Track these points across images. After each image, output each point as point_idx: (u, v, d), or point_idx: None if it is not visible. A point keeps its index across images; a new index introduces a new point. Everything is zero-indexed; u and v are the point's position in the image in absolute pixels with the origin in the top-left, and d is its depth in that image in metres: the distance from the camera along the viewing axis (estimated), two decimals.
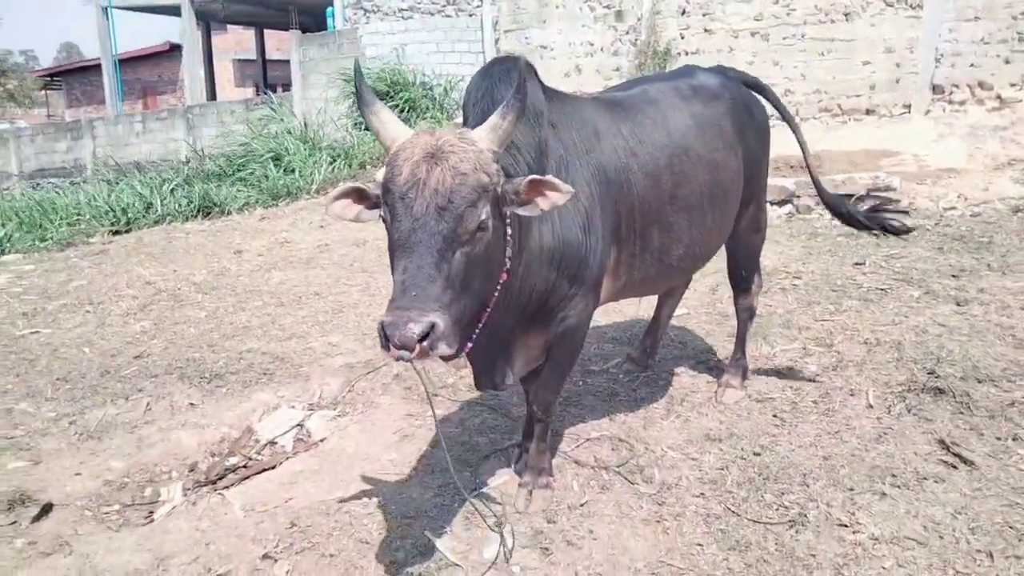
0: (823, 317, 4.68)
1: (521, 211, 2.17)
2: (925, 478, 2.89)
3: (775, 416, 3.47)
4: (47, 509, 2.99)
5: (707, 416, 3.53)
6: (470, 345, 2.33)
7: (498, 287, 2.28)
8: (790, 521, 2.68)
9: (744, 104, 3.39)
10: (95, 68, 25.91)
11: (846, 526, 2.63)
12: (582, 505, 2.85)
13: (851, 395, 3.64)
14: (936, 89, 10.95)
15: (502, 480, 3.09)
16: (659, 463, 3.12)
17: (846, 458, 3.08)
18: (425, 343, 1.86)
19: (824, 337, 4.34)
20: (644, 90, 3.13)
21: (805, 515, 2.70)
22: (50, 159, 18.32)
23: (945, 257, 5.90)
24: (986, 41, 10.47)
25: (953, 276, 5.35)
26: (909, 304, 4.82)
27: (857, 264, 5.83)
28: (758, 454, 3.14)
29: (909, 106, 11.19)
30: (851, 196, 8.08)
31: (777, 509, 2.76)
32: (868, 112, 11.41)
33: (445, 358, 2.00)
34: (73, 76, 31.94)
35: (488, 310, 2.29)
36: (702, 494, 2.89)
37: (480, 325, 2.31)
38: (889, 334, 4.28)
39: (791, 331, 4.48)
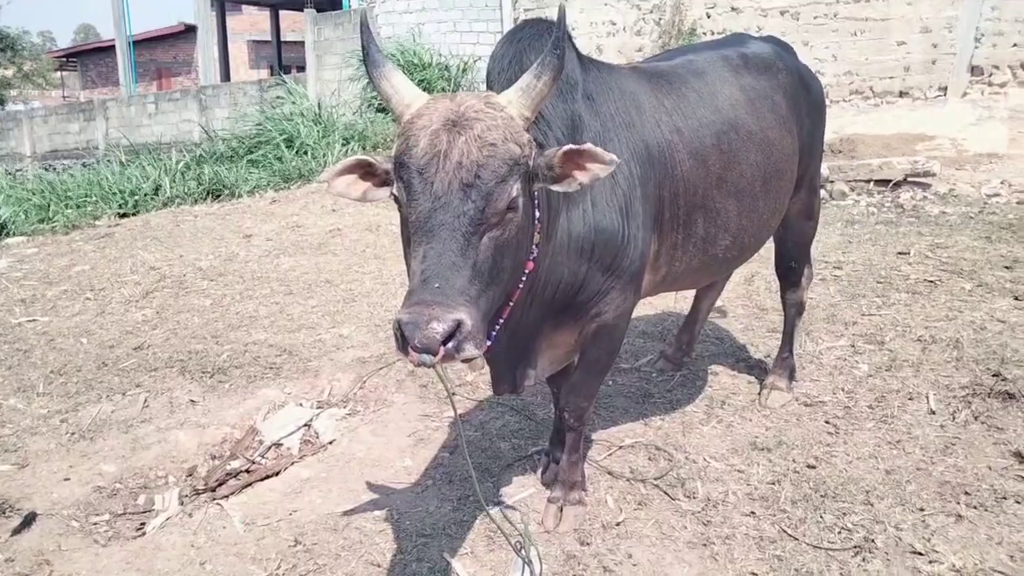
0: (870, 311, 4.34)
1: (557, 187, 1.85)
2: (1004, 497, 2.57)
3: (827, 423, 3.15)
4: (30, 519, 2.74)
5: (752, 421, 3.21)
6: (489, 344, 2.04)
7: (523, 278, 1.99)
8: (855, 547, 2.37)
9: (799, 76, 3.05)
10: (110, 49, 25.69)
11: (921, 554, 2.31)
12: (618, 524, 2.56)
13: (909, 399, 3.31)
14: (975, 71, 10.49)
15: (528, 493, 2.80)
16: (702, 475, 2.82)
17: (911, 472, 2.76)
18: (450, 344, 1.56)
19: (874, 333, 4.00)
20: (689, 59, 2.79)
21: (872, 540, 2.39)
22: (63, 140, 18.16)
23: (995, 247, 5.52)
24: None
25: (1006, 268, 4.98)
26: (962, 298, 4.46)
27: (901, 254, 5.46)
28: (812, 467, 2.82)
29: (945, 88, 10.74)
30: (889, 182, 7.78)
31: (839, 532, 2.45)
32: (902, 94, 10.96)
33: (469, 360, 1.69)
34: (88, 57, 31.81)
35: (511, 304, 2.02)
36: (752, 513, 2.58)
37: (501, 321, 2.03)
38: (944, 331, 3.94)
39: (836, 326, 4.15)
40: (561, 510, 2.59)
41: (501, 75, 2.20)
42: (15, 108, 23.05)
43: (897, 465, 2.81)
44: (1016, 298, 4.37)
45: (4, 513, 2.73)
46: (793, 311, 3.44)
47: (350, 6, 15.27)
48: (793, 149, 2.91)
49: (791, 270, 3.36)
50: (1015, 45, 10.07)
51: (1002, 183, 7.84)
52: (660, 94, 2.55)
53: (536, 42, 2.20)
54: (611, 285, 2.32)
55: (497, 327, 2.05)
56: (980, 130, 9.55)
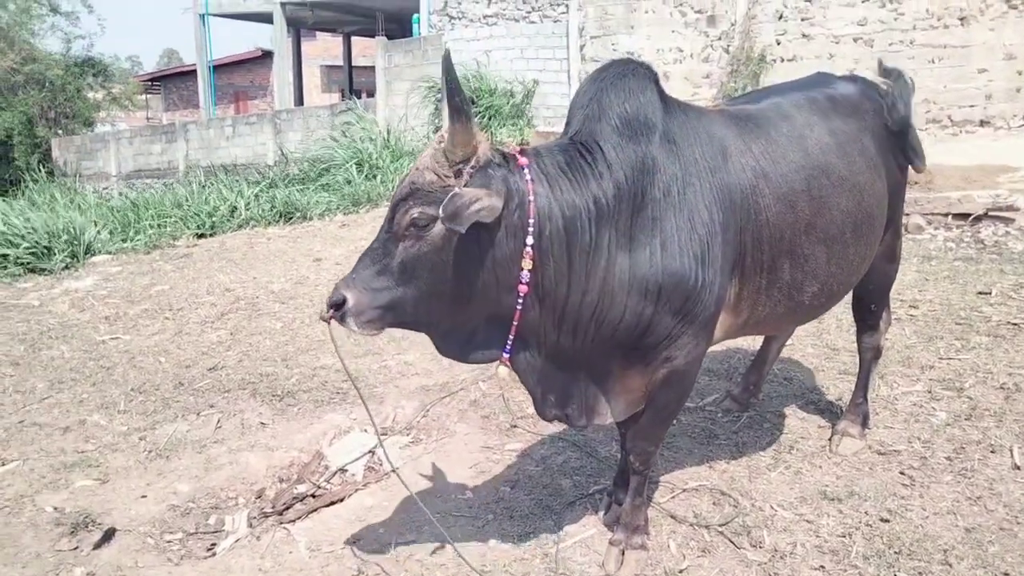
0: (948, 355, 4.17)
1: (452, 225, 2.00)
2: None
3: (902, 474, 3.04)
4: (110, 535, 2.86)
5: (821, 469, 3.12)
6: (507, 356, 2.24)
7: (518, 299, 2.14)
8: None
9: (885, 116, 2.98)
10: (191, 73, 26.96)
11: None
12: (681, 571, 2.51)
13: (991, 452, 3.16)
14: None
15: (589, 533, 2.78)
16: (769, 524, 2.75)
17: (994, 532, 2.63)
18: (337, 312, 2.10)
19: (952, 379, 3.84)
20: (776, 103, 2.76)
21: None
22: (146, 160, 19.08)
23: None
24: None
25: None
26: None
27: (982, 293, 5.24)
28: (886, 520, 2.72)
29: None
30: (968, 215, 7.49)
31: None
32: (983, 124, 10.58)
33: (355, 331, 2.13)
34: (171, 81, 33.36)
35: (515, 323, 2.18)
36: (822, 567, 2.50)
37: (512, 336, 2.21)
38: None
39: (912, 370, 4.00)
40: (623, 553, 2.56)
41: (581, 111, 2.31)
42: (103, 130, 24.34)
43: (978, 523, 2.68)
44: None
45: (87, 527, 2.86)
46: (869, 355, 3.33)
47: (420, 33, 15.64)
48: (883, 193, 2.85)
49: (870, 313, 3.26)
50: None
51: None
52: (748, 139, 2.52)
53: (619, 81, 2.28)
54: (683, 330, 2.31)
55: (510, 339, 2.21)
56: None
